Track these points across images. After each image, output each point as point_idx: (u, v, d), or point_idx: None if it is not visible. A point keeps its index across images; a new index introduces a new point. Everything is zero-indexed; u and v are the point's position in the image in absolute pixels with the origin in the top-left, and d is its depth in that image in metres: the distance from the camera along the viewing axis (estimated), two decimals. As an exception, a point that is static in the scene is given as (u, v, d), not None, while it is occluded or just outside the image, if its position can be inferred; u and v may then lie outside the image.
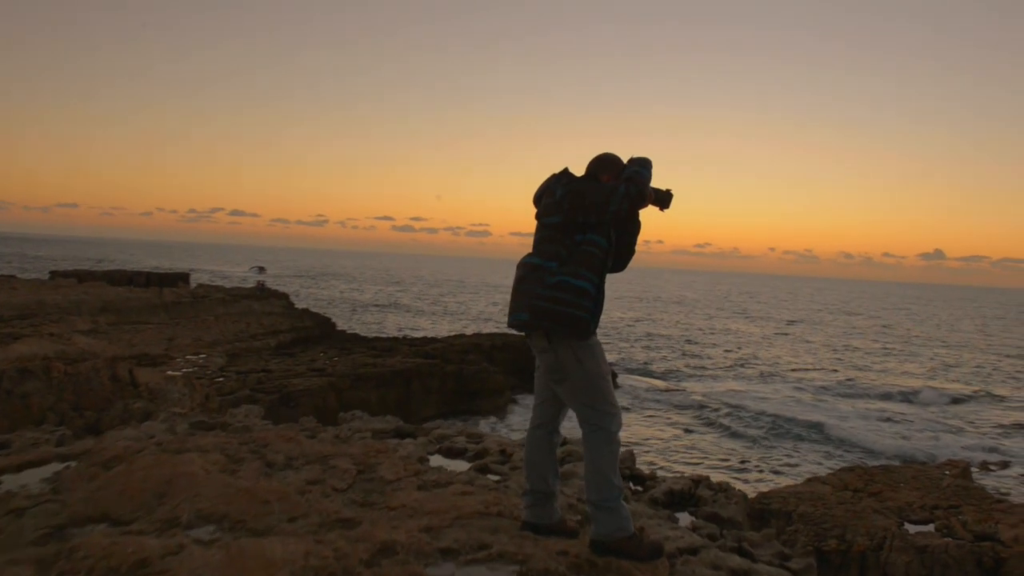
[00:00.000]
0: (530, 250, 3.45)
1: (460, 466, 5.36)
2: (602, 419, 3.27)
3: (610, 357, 29.53)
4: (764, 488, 13.37)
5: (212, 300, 31.83)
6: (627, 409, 22.51)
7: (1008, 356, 50.63)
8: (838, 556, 7.47)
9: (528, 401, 25.22)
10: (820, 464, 18.15)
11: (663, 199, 3.37)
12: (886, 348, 51.55)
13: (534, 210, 3.52)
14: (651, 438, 19.69)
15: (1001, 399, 31.30)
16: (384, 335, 35.93)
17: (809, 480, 10.14)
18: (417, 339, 30.69)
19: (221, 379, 20.94)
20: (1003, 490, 14.92)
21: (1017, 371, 41.87)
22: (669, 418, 24.45)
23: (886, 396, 30.44)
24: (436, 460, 5.50)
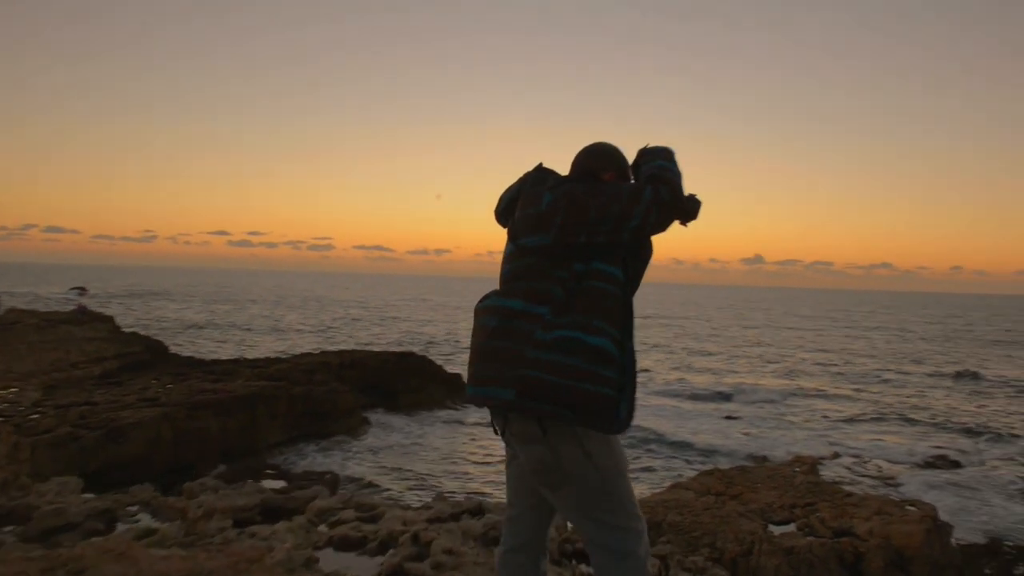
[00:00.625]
0: (496, 286, 2.34)
1: (363, 566, 4.17)
2: (624, 540, 2.22)
3: (453, 369, 28.20)
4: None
5: (25, 326, 28.63)
6: (466, 424, 21.98)
7: (821, 350, 55.41)
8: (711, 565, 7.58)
9: (381, 419, 23.94)
10: (673, 469, 18.75)
11: (689, 208, 2.27)
12: (714, 348, 54.89)
13: (498, 226, 2.44)
14: (493, 454, 19.16)
15: (821, 392, 34.06)
16: (223, 357, 33.76)
17: (672, 487, 10.35)
18: (260, 360, 28.95)
19: (36, 416, 18.61)
20: (838, 480, 16.09)
21: (828, 365, 45.75)
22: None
23: (720, 396, 32.19)
24: (327, 557, 4.26)
